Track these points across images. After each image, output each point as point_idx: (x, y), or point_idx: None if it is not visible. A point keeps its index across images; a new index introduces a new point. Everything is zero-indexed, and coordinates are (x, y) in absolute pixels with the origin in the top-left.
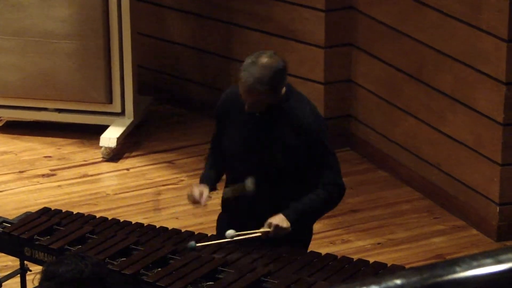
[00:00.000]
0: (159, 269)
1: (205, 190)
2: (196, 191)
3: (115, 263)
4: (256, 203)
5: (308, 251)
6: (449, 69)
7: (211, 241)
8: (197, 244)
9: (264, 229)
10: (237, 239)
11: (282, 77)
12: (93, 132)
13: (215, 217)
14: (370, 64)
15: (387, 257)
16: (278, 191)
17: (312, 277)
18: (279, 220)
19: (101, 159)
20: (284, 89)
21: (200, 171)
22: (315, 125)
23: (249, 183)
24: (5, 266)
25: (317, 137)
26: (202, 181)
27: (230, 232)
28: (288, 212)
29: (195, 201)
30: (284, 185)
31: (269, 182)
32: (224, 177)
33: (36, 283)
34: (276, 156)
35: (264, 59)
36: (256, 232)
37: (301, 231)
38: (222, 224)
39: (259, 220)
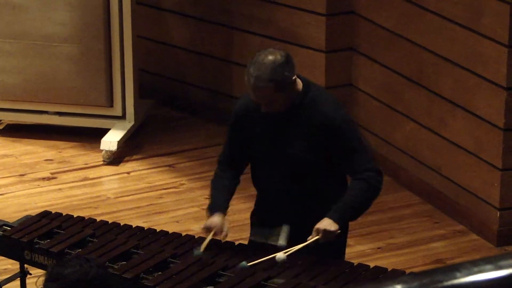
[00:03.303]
0: (160, 273)
1: (224, 221)
2: (215, 224)
3: (115, 266)
4: (287, 202)
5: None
6: (450, 74)
7: (260, 258)
8: (248, 264)
9: (313, 237)
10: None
11: (284, 70)
12: (93, 136)
13: None
14: (370, 69)
15: (388, 261)
16: (309, 188)
17: (312, 281)
18: (326, 224)
19: (101, 162)
20: (301, 85)
21: (201, 175)
22: (338, 117)
23: (282, 238)
24: (5, 269)
25: (342, 129)
26: (215, 210)
27: (280, 255)
28: (332, 214)
29: (213, 232)
30: (315, 182)
31: (299, 180)
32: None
33: (40, 285)
34: (303, 154)
35: (261, 57)
36: (305, 243)
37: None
38: (255, 223)
39: (291, 219)
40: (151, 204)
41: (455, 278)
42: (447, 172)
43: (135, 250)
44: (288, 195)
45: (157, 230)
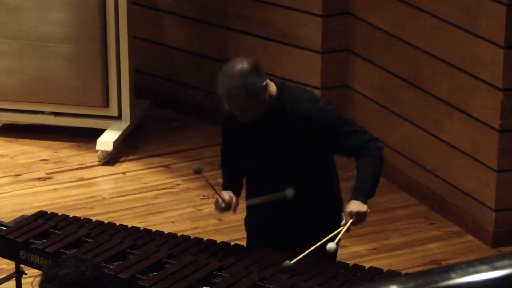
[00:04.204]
0: (155, 273)
1: (234, 196)
2: (226, 197)
3: (110, 267)
4: (281, 204)
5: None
6: (446, 75)
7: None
8: (292, 262)
9: (347, 220)
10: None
11: (252, 76)
12: (89, 136)
13: (211, 221)
14: (367, 70)
15: (383, 262)
16: (301, 186)
17: (307, 282)
18: (357, 206)
19: (97, 162)
20: (275, 89)
21: (196, 175)
22: (317, 112)
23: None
24: (1, 269)
25: (325, 121)
26: (226, 188)
27: (331, 245)
28: (356, 195)
29: (223, 208)
30: (306, 179)
31: (290, 181)
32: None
33: (36, 286)
34: (290, 155)
35: (229, 68)
36: (344, 228)
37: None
38: (250, 226)
39: (285, 221)
40: (146, 205)
41: (451, 278)
42: (443, 173)
43: (131, 250)
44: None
45: (153, 231)
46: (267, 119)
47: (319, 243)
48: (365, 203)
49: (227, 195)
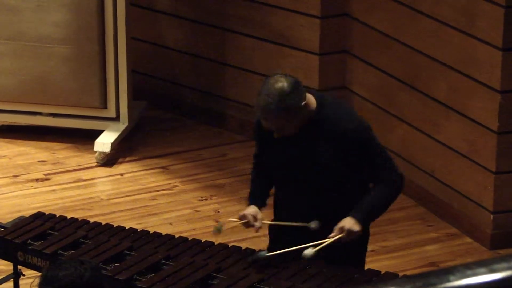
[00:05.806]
0: (153, 274)
1: (258, 214)
2: (249, 215)
3: (108, 268)
4: (308, 215)
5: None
6: (444, 77)
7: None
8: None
9: (336, 235)
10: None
11: (291, 98)
12: (87, 137)
13: (208, 223)
14: (364, 71)
15: (381, 264)
16: (329, 201)
17: (305, 284)
18: (350, 223)
19: (95, 164)
20: (314, 103)
21: (194, 177)
22: (355, 129)
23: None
24: None
25: (361, 140)
26: (251, 202)
27: (308, 252)
28: (356, 214)
29: (248, 225)
30: (335, 194)
31: (319, 194)
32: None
33: (35, 287)
34: (322, 169)
35: (268, 86)
36: (328, 240)
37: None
38: (275, 233)
39: (311, 231)
40: (144, 206)
41: (448, 281)
42: (441, 175)
43: (128, 252)
44: (311, 207)
45: (151, 232)
46: (303, 131)
47: (303, 246)
48: (360, 224)
49: (250, 214)
